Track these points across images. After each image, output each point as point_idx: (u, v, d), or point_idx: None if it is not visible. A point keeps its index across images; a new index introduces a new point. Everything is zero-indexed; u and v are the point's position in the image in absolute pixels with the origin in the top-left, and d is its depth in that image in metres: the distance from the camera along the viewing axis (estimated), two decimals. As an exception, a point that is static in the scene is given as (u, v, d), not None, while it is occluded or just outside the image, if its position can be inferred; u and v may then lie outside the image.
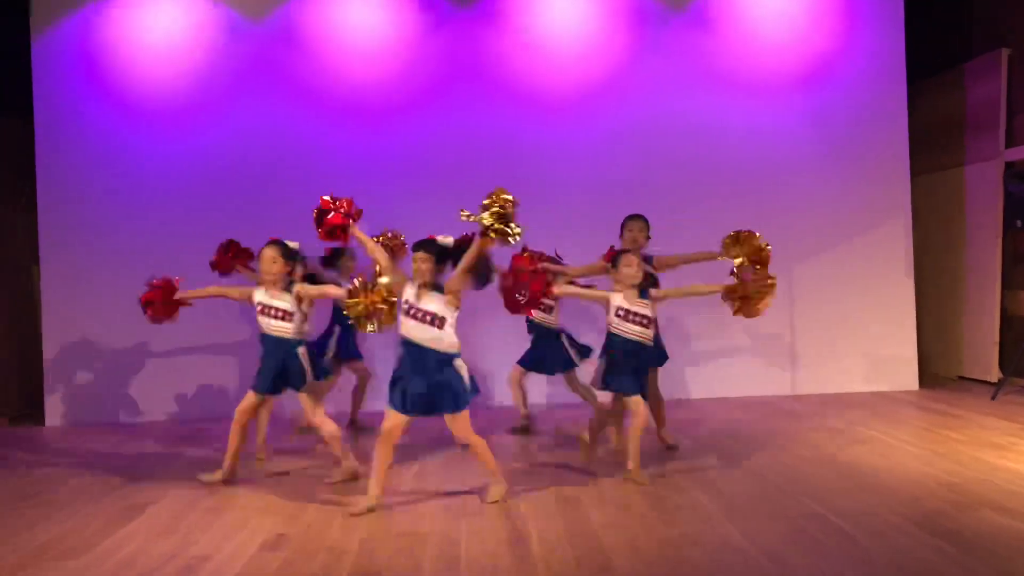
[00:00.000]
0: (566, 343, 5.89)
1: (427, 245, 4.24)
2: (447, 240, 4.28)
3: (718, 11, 7.52)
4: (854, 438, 5.50)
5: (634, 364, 4.62)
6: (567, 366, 5.91)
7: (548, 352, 5.91)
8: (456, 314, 4.20)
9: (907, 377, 7.40)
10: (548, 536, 3.73)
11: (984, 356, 7.47)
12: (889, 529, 3.68)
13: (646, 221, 5.32)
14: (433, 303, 4.16)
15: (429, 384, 4.14)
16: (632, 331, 4.61)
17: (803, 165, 7.50)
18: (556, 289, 4.83)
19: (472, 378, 4.28)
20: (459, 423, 4.25)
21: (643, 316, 4.62)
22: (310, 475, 5.01)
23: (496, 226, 3.94)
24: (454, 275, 4.18)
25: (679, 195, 7.30)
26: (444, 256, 4.25)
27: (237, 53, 7.36)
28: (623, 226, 5.32)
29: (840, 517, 3.84)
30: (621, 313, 4.62)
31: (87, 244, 7.23)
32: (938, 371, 7.99)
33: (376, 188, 7.37)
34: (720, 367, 7.39)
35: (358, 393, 6.34)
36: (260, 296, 4.73)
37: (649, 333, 4.66)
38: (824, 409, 6.57)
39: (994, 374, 7.26)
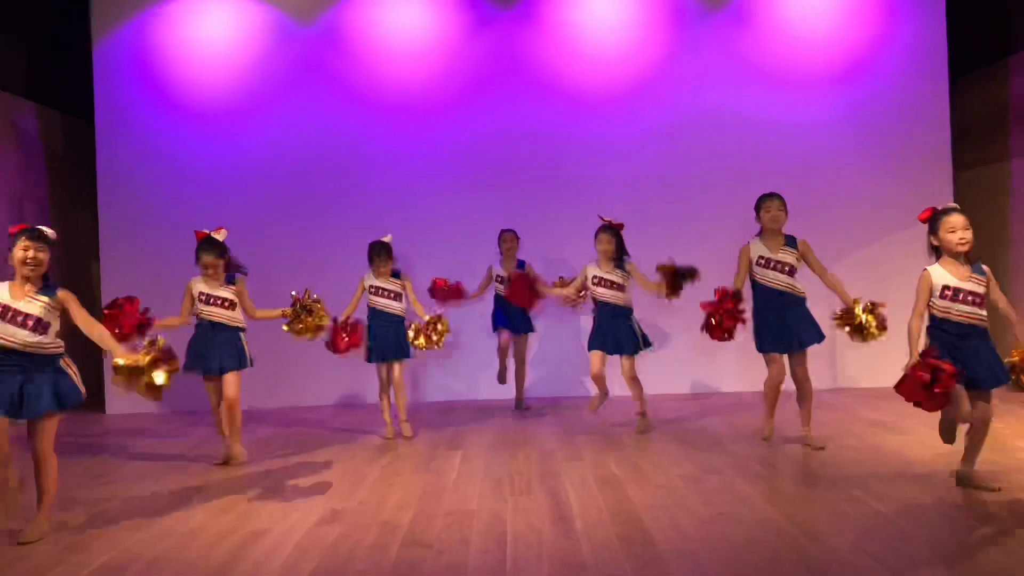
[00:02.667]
0: (636, 325, 5.76)
1: (37, 235, 3.74)
2: (50, 233, 3.85)
3: (756, 7, 7.58)
4: (894, 429, 5.54)
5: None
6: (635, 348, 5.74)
7: (619, 331, 5.71)
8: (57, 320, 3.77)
9: (949, 372, 7.35)
10: (591, 515, 3.86)
11: (1028, 352, 7.39)
12: (927, 512, 3.75)
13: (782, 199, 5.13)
14: (35, 306, 3.74)
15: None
16: None
17: (844, 160, 7.52)
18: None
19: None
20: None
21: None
22: (362, 457, 5.22)
23: None
24: (77, 307, 3.84)
25: (719, 191, 7.37)
26: (53, 247, 3.81)
27: (286, 55, 7.62)
28: (759, 207, 5.11)
29: (880, 501, 3.90)
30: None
31: (144, 241, 7.52)
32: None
33: (419, 185, 7.60)
34: (760, 360, 7.40)
35: None
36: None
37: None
38: (864, 402, 6.59)
39: (1038, 370, 7.19)
